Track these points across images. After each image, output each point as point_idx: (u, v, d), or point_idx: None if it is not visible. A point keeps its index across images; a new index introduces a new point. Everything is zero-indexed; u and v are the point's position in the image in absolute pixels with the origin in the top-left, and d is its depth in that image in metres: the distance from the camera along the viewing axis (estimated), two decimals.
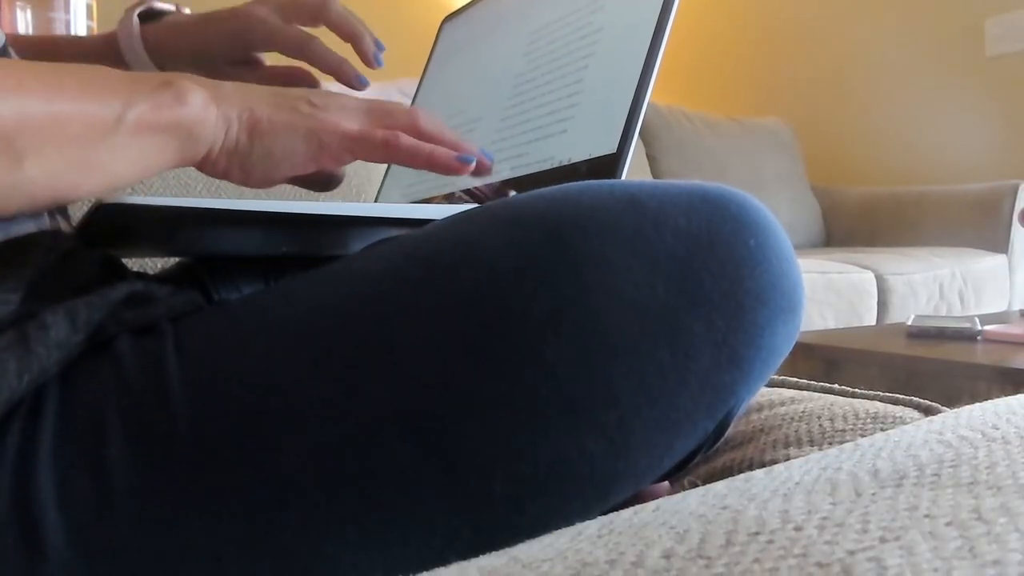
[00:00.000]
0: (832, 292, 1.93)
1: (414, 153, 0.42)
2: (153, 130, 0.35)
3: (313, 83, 0.60)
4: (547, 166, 0.49)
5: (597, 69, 0.48)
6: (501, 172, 0.52)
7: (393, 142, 0.42)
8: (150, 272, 0.62)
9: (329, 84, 0.60)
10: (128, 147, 0.35)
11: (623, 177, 0.43)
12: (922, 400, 0.53)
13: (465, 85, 0.63)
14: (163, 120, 0.36)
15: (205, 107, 0.37)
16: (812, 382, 0.61)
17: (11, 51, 0.47)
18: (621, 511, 0.24)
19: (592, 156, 0.45)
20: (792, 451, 0.48)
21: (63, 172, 0.33)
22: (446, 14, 0.76)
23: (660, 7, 0.45)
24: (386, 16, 2.90)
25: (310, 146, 0.41)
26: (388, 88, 2.23)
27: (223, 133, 0.39)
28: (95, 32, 1.13)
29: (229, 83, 0.40)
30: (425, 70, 0.72)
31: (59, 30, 1.08)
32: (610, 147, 0.44)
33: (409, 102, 0.69)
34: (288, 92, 0.42)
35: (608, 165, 0.44)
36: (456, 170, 0.44)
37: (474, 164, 0.44)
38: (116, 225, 0.36)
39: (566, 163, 0.47)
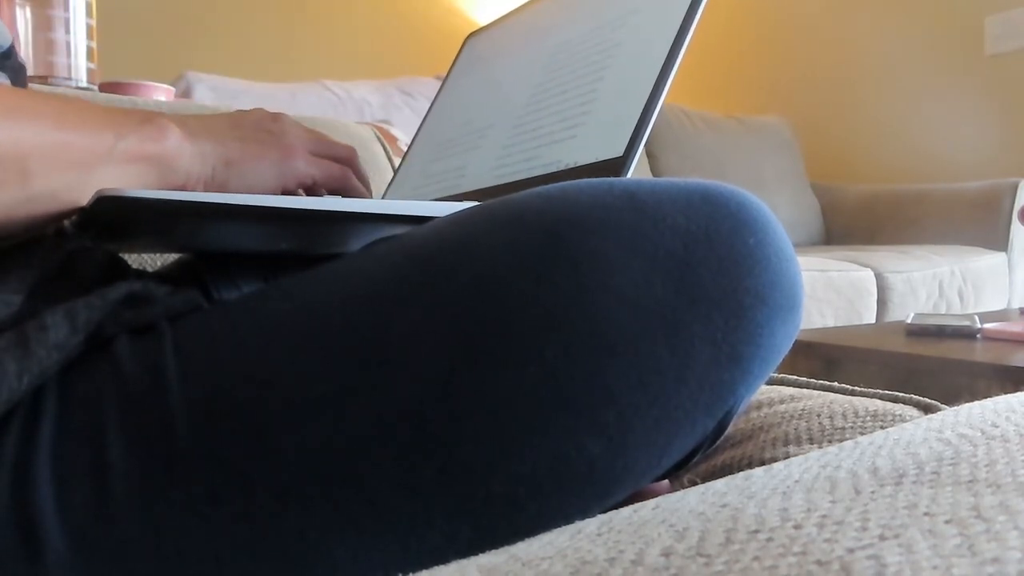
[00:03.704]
0: (832, 290, 1.93)
1: (361, 194, 0.52)
2: (138, 160, 0.40)
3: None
4: (552, 169, 0.49)
5: (612, 80, 0.49)
6: (508, 176, 0.53)
7: (349, 177, 0.51)
8: (149, 269, 0.62)
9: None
10: (116, 173, 0.38)
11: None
12: (921, 398, 0.53)
13: (480, 96, 0.64)
14: (147, 152, 0.40)
15: (180, 142, 0.42)
16: (811, 380, 0.61)
17: (16, 53, 0.47)
18: (620, 509, 0.24)
19: (598, 159, 0.46)
20: (792, 449, 0.48)
21: (61, 193, 0.36)
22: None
23: (680, 23, 0.46)
24: (386, 16, 2.90)
25: (281, 171, 0.46)
26: (387, 86, 2.23)
27: (198, 165, 0.43)
28: (94, 30, 1.13)
29: (193, 119, 0.44)
30: (443, 84, 0.73)
31: (58, 29, 1.08)
32: (617, 151, 0.44)
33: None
34: (245, 122, 0.47)
35: (613, 168, 0.44)
36: None
37: None
38: (116, 216, 0.36)
39: (572, 166, 0.47)
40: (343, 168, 0.51)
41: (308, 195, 0.53)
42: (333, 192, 0.51)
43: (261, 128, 0.47)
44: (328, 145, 0.51)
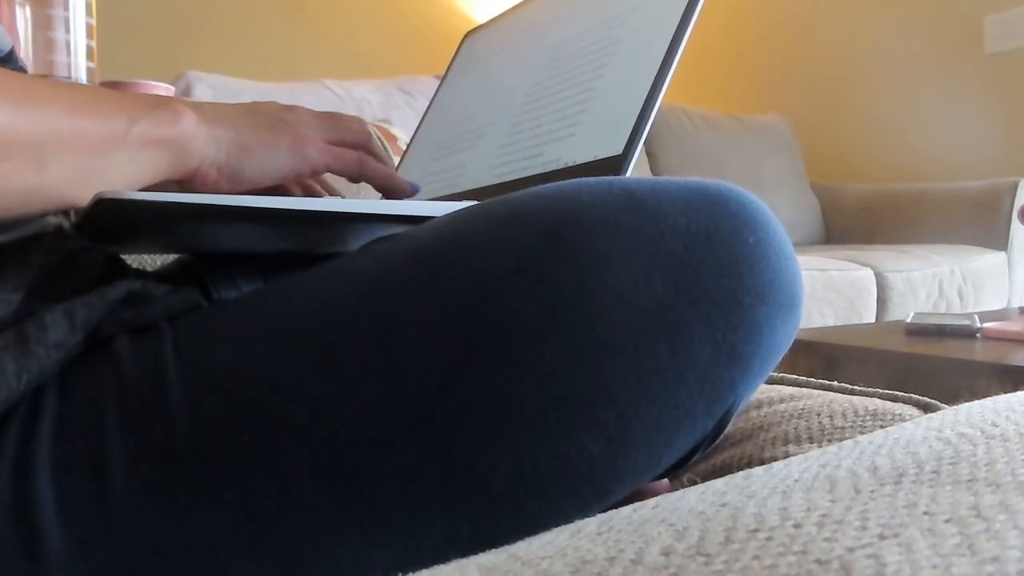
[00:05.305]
0: (831, 289, 1.93)
1: (379, 175, 0.51)
2: (153, 144, 0.39)
3: None
4: (552, 167, 0.49)
5: (611, 78, 0.49)
6: (508, 175, 0.53)
7: (364, 162, 0.50)
8: (148, 268, 0.62)
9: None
10: (130, 159, 0.38)
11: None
12: (921, 397, 0.53)
13: (480, 94, 0.64)
14: (162, 136, 0.40)
15: (196, 125, 0.41)
16: (811, 379, 0.61)
17: (16, 57, 0.47)
18: (620, 508, 0.24)
19: (597, 158, 0.46)
20: (791, 448, 0.48)
21: (74, 179, 0.36)
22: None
23: (678, 21, 0.46)
24: (386, 16, 2.90)
25: (295, 159, 0.46)
26: (387, 86, 2.23)
27: (212, 149, 0.43)
28: (94, 30, 1.13)
29: (207, 105, 0.44)
30: (442, 82, 0.73)
31: (58, 28, 1.08)
32: (616, 149, 0.44)
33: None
34: (259, 110, 0.47)
35: (612, 166, 0.44)
36: (408, 195, 0.53)
37: (419, 191, 0.55)
38: (115, 218, 0.36)
39: (571, 164, 0.47)
40: (357, 155, 0.50)
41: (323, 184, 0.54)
42: (350, 179, 0.51)
43: (275, 117, 0.47)
44: (342, 131, 0.50)
